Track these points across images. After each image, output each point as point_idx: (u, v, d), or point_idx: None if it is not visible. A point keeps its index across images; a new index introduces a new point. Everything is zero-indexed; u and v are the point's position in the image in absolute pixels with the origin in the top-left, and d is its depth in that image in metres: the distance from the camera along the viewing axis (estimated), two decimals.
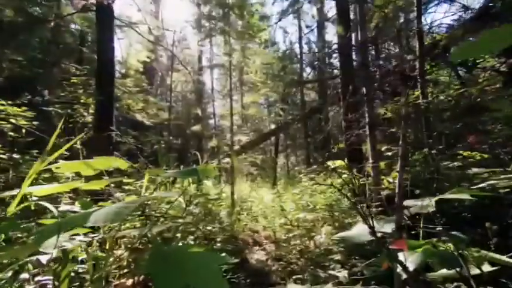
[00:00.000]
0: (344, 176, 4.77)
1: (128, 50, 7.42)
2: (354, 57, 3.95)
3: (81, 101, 4.17)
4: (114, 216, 0.65)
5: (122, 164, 1.01)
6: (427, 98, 2.94)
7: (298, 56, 12.29)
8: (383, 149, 3.22)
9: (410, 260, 0.82)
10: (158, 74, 15.03)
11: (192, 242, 1.88)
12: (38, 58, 6.50)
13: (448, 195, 1.03)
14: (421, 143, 2.77)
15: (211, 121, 15.36)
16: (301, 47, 12.70)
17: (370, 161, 3.06)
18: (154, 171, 1.25)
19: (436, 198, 1.05)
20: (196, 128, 10.73)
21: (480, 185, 1.69)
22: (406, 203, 1.16)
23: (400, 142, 1.20)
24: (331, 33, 15.20)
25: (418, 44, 2.94)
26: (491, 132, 3.82)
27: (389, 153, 3.07)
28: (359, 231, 1.68)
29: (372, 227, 0.89)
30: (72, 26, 7.77)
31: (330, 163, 5.46)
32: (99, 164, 0.96)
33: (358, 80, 3.81)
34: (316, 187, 5.11)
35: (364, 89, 3.16)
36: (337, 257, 2.58)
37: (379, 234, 1.49)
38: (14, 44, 6.40)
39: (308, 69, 13.28)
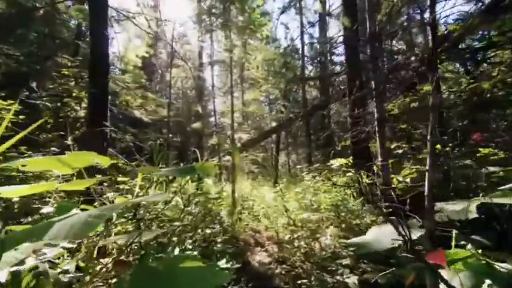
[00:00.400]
0: (349, 174, 4.62)
1: (126, 45, 7.24)
2: (360, 50, 3.78)
3: (73, 94, 3.97)
4: (81, 228, 0.49)
5: (104, 160, 0.85)
6: (440, 91, 2.77)
7: (300, 53, 12.09)
8: (392, 146, 3.06)
9: (464, 281, 0.66)
10: (158, 71, 14.84)
11: (190, 246, 1.73)
12: (35, 53, 6.34)
13: (490, 199, 0.88)
14: (433, 139, 2.61)
15: (212, 119, 15.20)
16: (302, 43, 12.49)
17: (379, 159, 2.90)
18: (148, 169, 1.09)
19: (477, 202, 0.89)
20: (196, 125, 10.57)
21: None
22: (439, 206, 1.00)
23: (429, 137, 1.04)
24: (334, 30, 14.99)
25: (431, 34, 2.76)
26: (499, 128, 3.66)
27: (400, 151, 2.91)
28: (376, 236, 1.51)
29: (409, 239, 0.72)
30: (72, 22, 7.60)
31: (334, 161, 5.31)
32: (75, 161, 0.79)
33: (366, 73, 3.64)
34: (320, 186, 4.95)
35: (372, 83, 3.00)
36: (345, 260, 2.42)
37: (400, 242, 1.32)
38: (11, 38, 6.23)
39: (310, 66, 13.08)
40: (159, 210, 2.00)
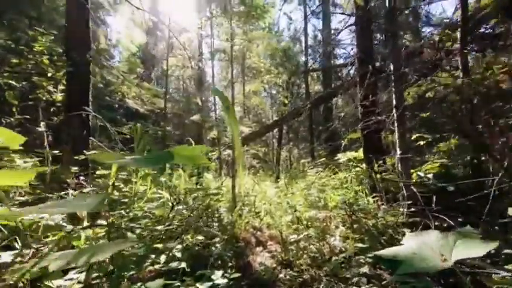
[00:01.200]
0: (357, 169, 4.29)
1: (121, 32, 6.87)
2: (374, 28, 3.42)
3: (49, 74, 3.52)
4: None
5: (11, 138, 0.52)
6: (469, 75, 2.42)
7: (303, 44, 11.67)
8: (413, 137, 2.73)
9: None
10: (160, 64, 14.44)
11: (179, 255, 1.41)
12: (24, 38, 6.01)
13: None
14: (462, 129, 2.27)
15: (212, 113, 14.85)
16: (306, 34, 12.03)
17: (398, 151, 2.56)
18: (104, 156, 0.76)
19: None
20: (195, 117, 10.22)
21: None
22: None
23: None
24: (335, 25, 14.50)
25: (461, 9, 2.40)
26: None
27: (422, 142, 2.58)
28: (417, 248, 1.16)
29: None
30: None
31: (341, 155, 4.98)
32: None
33: (380, 58, 3.29)
34: (326, 181, 4.63)
35: (391, 66, 2.64)
36: (362, 268, 2.12)
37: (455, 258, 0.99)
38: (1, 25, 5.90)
39: (312, 61, 12.67)
40: (145, 209, 1.68)
